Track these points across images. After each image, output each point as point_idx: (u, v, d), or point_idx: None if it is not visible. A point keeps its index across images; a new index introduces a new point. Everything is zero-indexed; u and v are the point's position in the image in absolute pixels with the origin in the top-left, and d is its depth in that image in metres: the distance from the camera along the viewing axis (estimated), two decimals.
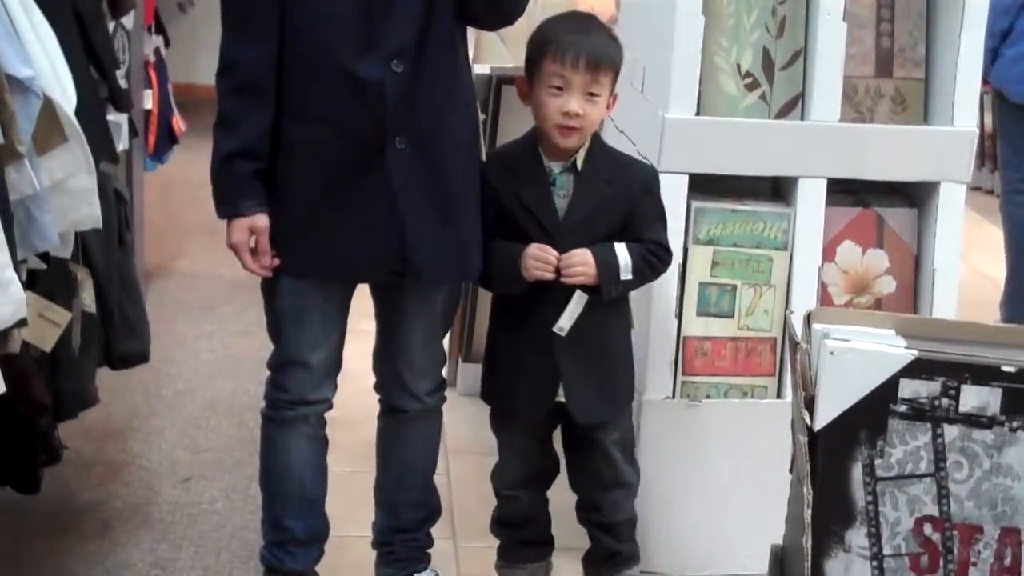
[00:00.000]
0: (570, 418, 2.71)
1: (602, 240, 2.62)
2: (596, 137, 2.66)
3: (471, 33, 4.22)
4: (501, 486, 2.87)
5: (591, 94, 2.56)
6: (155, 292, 4.78)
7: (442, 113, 2.56)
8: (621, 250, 2.62)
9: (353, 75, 2.47)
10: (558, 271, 2.59)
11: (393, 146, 2.51)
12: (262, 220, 2.56)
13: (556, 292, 2.62)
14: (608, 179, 2.65)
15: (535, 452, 2.83)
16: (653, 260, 2.67)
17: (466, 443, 3.71)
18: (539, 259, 2.59)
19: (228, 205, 2.57)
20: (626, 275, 2.62)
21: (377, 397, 2.86)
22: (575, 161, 2.63)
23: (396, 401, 2.82)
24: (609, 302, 2.65)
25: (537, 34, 2.64)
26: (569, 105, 2.55)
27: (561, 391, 2.68)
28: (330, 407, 2.76)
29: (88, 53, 2.65)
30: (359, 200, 2.54)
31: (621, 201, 2.65)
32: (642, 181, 2.70)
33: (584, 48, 2.54)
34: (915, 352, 2.01)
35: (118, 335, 3.00)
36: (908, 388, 2.00)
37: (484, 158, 2.81)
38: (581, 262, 2.59)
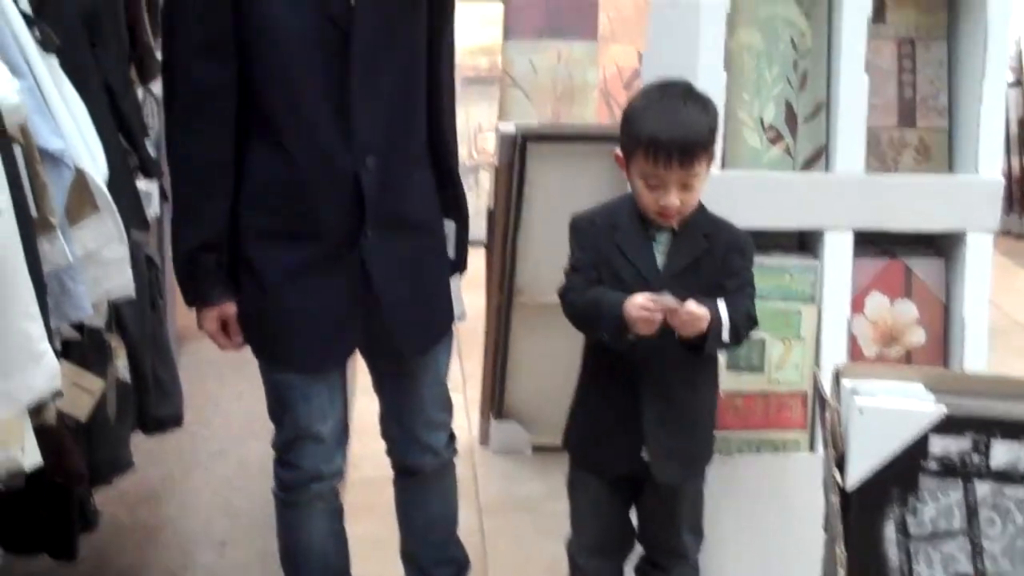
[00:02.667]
0: (649, 477, 2.66)
1: (700, 295, 2.59)
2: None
3: (496, 91, 4.26)
4: (576, 553, 2.79)
5: (687, 184, 2.55)
6: (187, 353, 4.80)
7: (409, 198, 2.60)
8: (723, 308, 2.59)
9: (328, 171, 2.50)
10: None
11: (365, 235, 2.54)
12: (230, 308, 2.61)
13: (646, 346, 2.58)
14: (705, 234, 2.65)
15: (613, 515, 2.75)
16: (742, 326, 2.63)
17: (499, 500, 3.71)
18: (645, 308, 2.53)
19: (195, 296, 2.61)
20: (726, 334, 2.60)
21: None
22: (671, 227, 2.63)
23: (412, 460, 2.82)
24: (703, 359, 2.63)
25: (629, 116, 2.61)
26: (666, 200, 2.55)
27: (645, 450, 2.64)
28: (342, 478, 2.78)
29: (118, 123, 2.69)
30: (335, 285, 2.56)
31: (716, 256, 2.65)
32: (735, 241, 2.69)
33: (676, 144, 2.51)
34: (944, 408, 2.01)
35: (152, 400, 3.03)
36: (938, 445, 2.00)
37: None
38: (699, 315, 2.53)
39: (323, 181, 2.50)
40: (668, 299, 2.53)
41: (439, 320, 2.75)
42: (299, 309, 2.57)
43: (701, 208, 2.66)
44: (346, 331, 2.63)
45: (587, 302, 2.65)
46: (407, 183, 2.60)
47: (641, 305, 2.53)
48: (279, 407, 2.71)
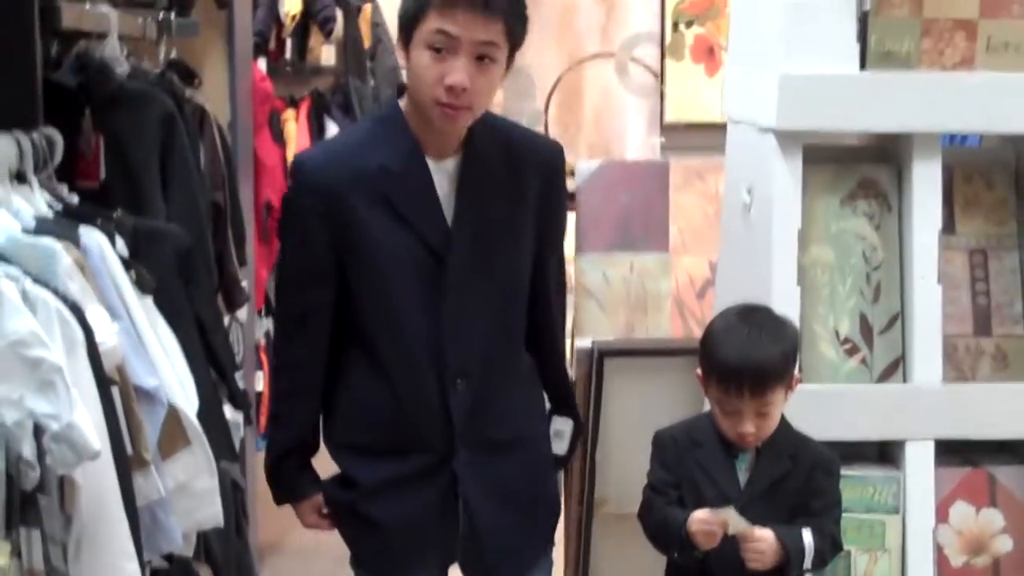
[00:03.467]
0: None
1: (784, 515, 2.61)
2: (781, 419, 2.67)
3: (569, 299, 4.32)
4: None
5: (762, 412, 2.59)
6: (268, 570, 4.81)
7: (505, 419, 2.64)
8: (808, 535, 2.59)
9: (421, 392, 2.56)
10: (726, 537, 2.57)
11: (457, 455, 2.58)
12: (320, 498, 2.70)
13: (726, 562, 2.59)
14: (791, 454, 2.66)
15: None
16: (827, 552, 2.64)
17: None
18: (704, 523, 2.56)
19: (285, 496, 2.75)
20: (808, 562, 2.60)
21: None
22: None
23: None
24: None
25: (705, 340, 2.67)
26: (741, 427, 2.59)
27: None
28: None
29: (208, 356, 2.77)
30: (425, 499, 2.61)
31: (801, 476, 2.65)
32: (821, 460, 2.69)
33: (747, 375, 2.56)
34: None
35: None
36: None
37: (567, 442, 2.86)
38: (762, 549, 2.55)
39: (416, 401, 2.56)
40: (730, 514, 2.54)
41: (536, 542, 2.76)
42: (387, 520, 2.61)
43: (785, 426, 2.68)
44: (435, 546, 2.65)
45: (659, 521, 2.67)
46: (503, 403, 2.63)
47: (701, 519, 2.55)
48: None
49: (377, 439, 2.61)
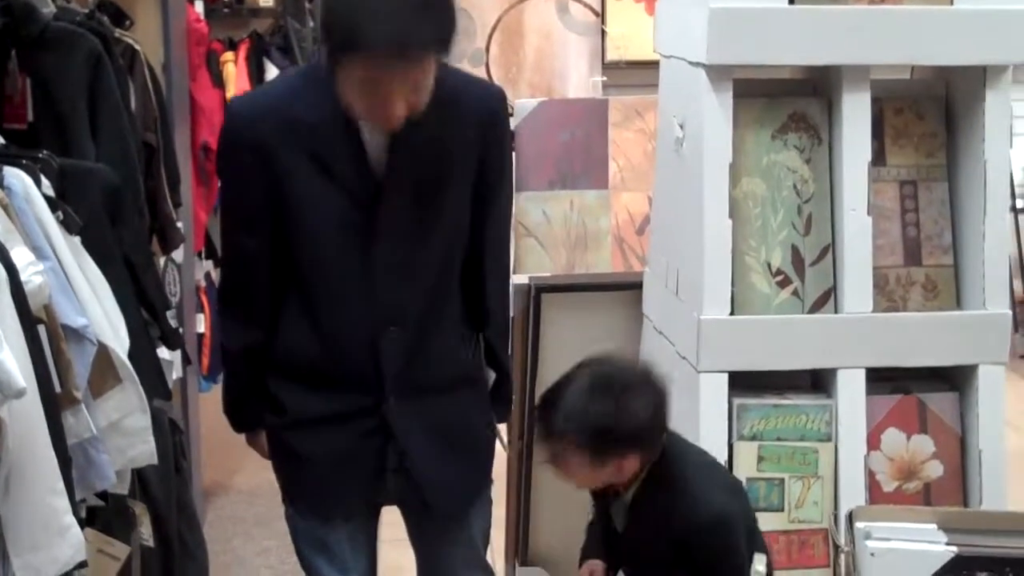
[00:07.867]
0: None
1: (668, 560, 2.54)
2: (656, 467, 2.57)
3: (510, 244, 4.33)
4: None
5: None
6: (213, 510, 4.83)
7: (438, 366, 2.64)
8: None
9: (351, 339, 2.56)
10: None
11: (387, 400, 2.59)
12: None
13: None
14: (664, 510, 2.55)
15: None
16: None
17: None
18: None
19: (242, 428, 2.79)
20: None
21: None
22: (624, 496, 2.59)
23: None
24: None
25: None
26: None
27: None
28: None
29: (139, 297, 2.76)
30: (354, 437, 2.62)
31: (675, 536, 2.53)
32: (694, 523, 2.52)
33: (556, 424, 2.52)
34: (955, 549, 2.03)
35: (178, 563, 3.06)
36: None
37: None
38: None
39: (346, 348, 2.57)
40: None
41: (471, 481, 2.76)
42: (312, 454, 2.63)
43: (663, 478, 2.58)
44: (362, 482, 2.65)
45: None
46: (437, 351, 2.62)
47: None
48: (301, 558, 2.75)
49: (310, 380, 2.61)
